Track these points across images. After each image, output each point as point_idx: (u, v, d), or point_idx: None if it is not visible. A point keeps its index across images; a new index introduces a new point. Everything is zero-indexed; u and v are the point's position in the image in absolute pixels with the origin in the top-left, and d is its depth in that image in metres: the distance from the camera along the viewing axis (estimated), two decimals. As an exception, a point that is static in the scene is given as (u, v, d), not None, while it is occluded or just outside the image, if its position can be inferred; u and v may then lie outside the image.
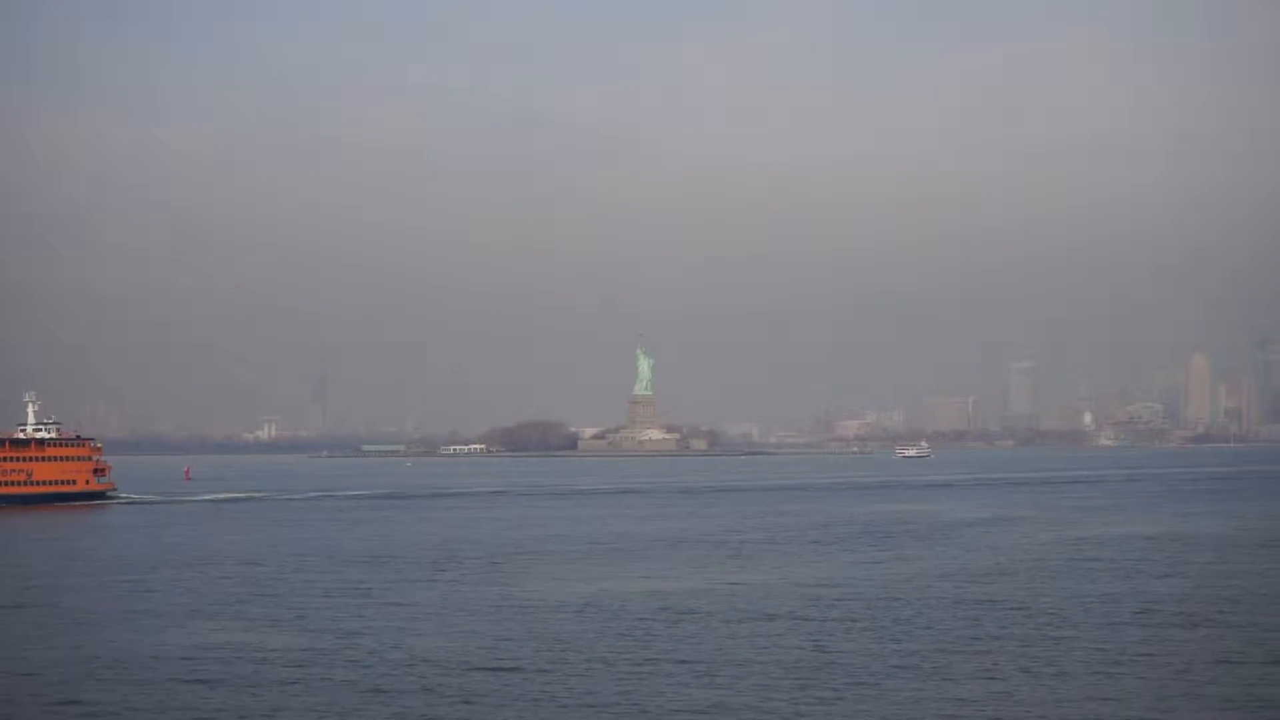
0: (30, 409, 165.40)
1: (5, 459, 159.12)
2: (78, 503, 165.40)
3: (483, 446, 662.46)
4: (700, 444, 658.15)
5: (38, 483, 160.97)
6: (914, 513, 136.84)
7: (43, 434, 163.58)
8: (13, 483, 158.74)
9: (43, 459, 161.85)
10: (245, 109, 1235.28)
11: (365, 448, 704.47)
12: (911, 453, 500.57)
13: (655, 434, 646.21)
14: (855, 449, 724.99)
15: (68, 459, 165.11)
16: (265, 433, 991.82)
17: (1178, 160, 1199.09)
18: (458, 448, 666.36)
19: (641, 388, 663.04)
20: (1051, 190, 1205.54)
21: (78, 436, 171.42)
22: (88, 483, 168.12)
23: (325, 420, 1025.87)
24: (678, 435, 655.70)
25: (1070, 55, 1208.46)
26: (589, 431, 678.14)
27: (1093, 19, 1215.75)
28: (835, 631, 56.08)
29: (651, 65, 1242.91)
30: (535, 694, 44.11)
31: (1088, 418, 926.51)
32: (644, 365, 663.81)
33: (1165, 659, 48.83)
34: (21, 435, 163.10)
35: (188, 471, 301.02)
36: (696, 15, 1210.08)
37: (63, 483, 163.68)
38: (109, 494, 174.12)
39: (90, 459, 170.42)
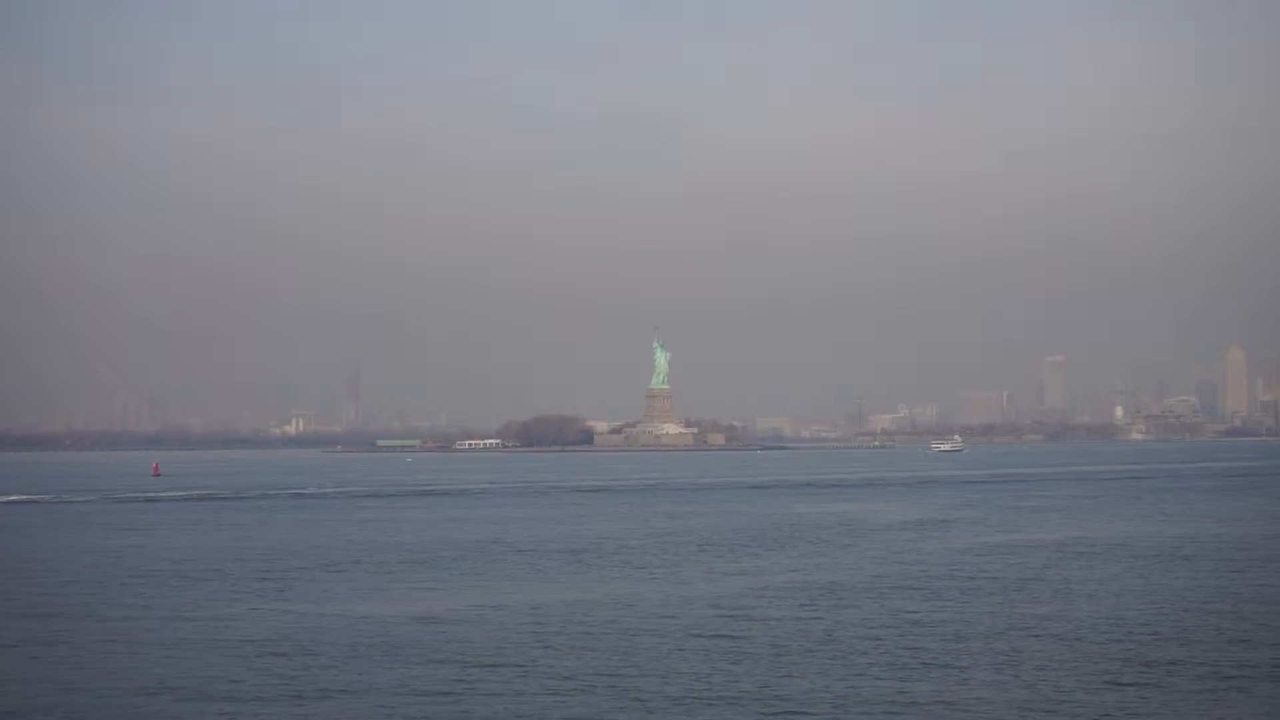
0: None
1: None
2: None
3: (498, 441, 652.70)
4: (718, 439, 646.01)
5: None
6: (844, 514, 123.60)
7: None
8: None
9: None
10: (254, 101, 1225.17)
11: (380, 442, 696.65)
12: (946, 447, 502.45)
13: (672, 428, 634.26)
14: (876, 443, 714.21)
15: None
16: (294, 427, 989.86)
17: (1214, 154, 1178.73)
18: (473, 443, 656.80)
19: (658, 381, 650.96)
20: (1086, 183, 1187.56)
21: None
22: None
23: (358, 416, 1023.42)
24: (695, 430, 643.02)
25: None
26: (605, 426, 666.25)
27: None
28: (518, 671, 43.15)
29: (678, 59, 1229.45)
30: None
31: (1119, 411, 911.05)
32: (661, 359, 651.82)
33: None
34: None
35: (155, 467, 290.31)
36: (705, 10, 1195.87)
37: None
38: None
39: None
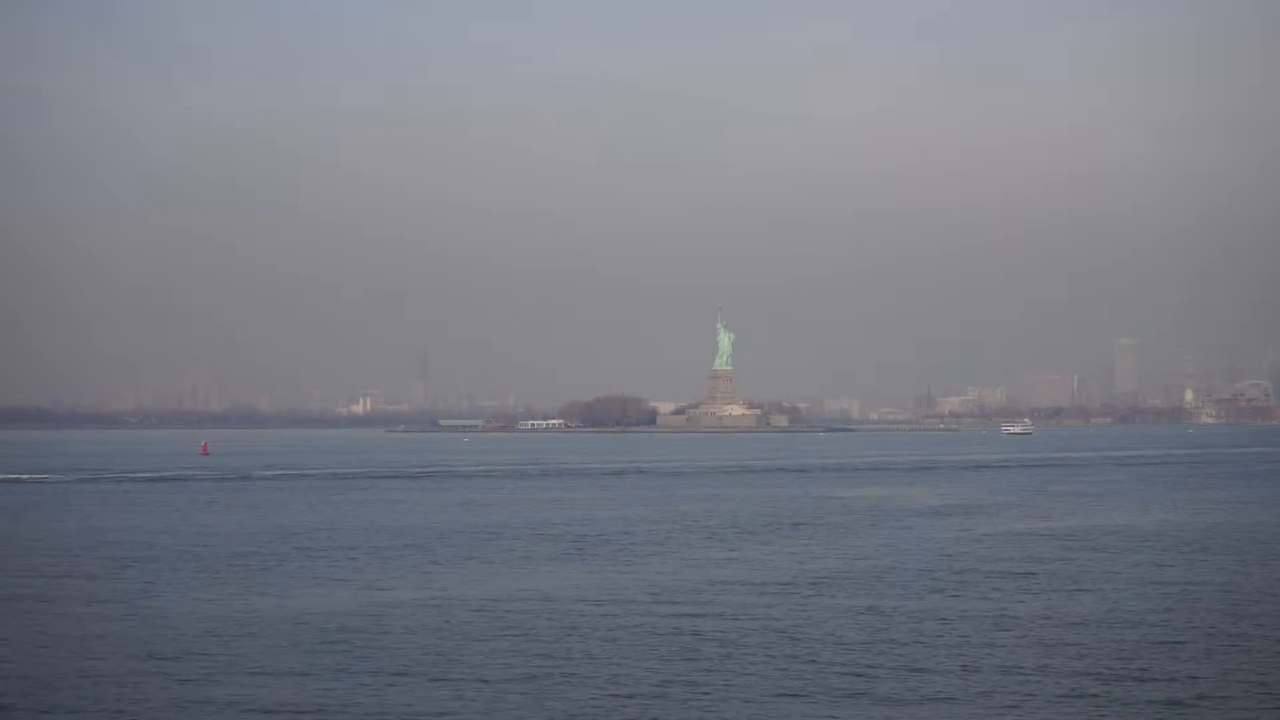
0: None
1: None
2: None
3: (560, 422, 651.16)
4: (782, 420, 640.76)
5: None
6: (877, 499, 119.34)
7: None
8: None
9: None
10: (293, 81, 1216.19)
11: (442, 422, 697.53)
12: (1016, 429, 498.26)
13: (735, 409, 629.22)
14: (942, 426, 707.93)
15: None
16: (360, 407, 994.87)
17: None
18: (535, 423, 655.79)
19: (721, 362, 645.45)
20: (1162, 168, 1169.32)
21: None
22: None
23: (426, 395, 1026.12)
24: (758, 411, 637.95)
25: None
26: (668, 407, 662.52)
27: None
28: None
29: (720, 25, 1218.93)
30: None
31: (1189, 395, 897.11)
32: (724, 339, 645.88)
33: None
34: None
35: (204, 446, 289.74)
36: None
37: None
38: None
39: None
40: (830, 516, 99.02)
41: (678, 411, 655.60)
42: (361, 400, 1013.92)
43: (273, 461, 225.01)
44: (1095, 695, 37.39)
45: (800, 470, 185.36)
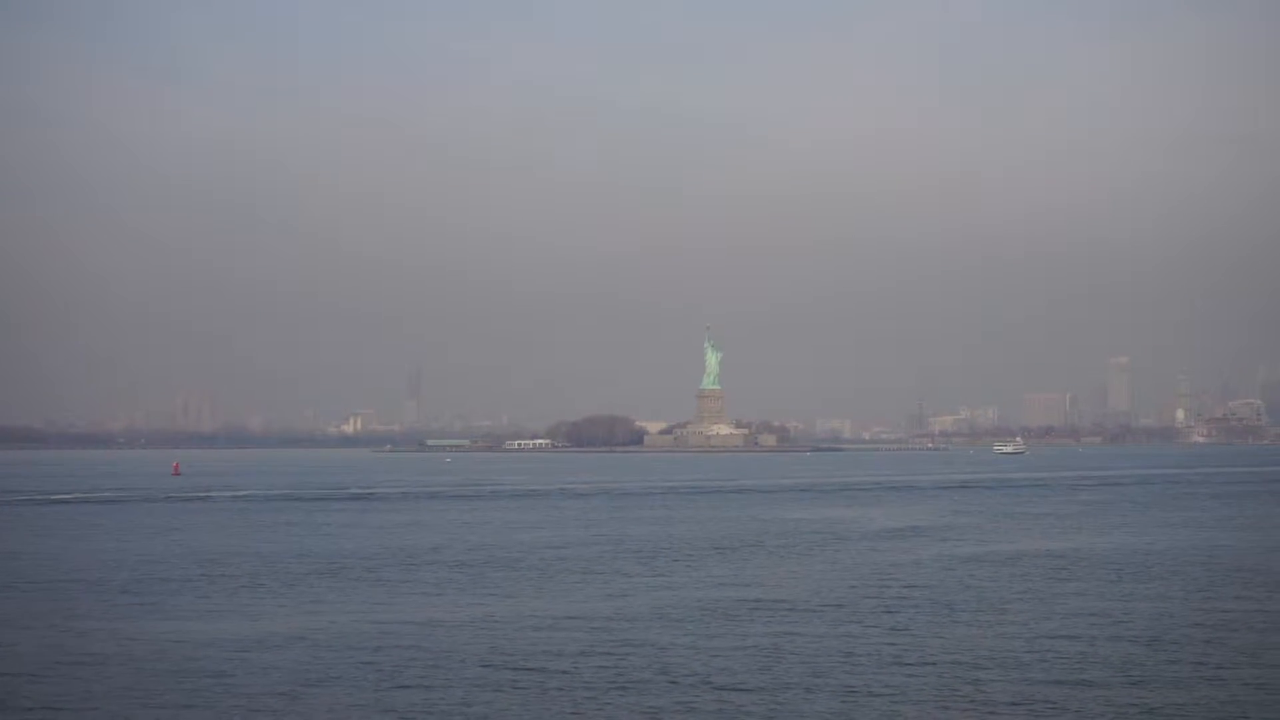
0: None
1: None
2: None
3: (547, 442, 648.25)
4: (770, 439, 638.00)
5: None
6: (830, 521, 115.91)
7: None
8: None
9: None
10: (290, 99, 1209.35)
11: (429, 442, 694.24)
12: (1008, 449, 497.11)
13: (723, 429, 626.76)
14: (931, 445, 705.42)
15: None
16: (351, 426, 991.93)
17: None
18: (521, 443, 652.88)
19: (709, 382, 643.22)
20: (1162, 187, 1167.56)
21: None
22: None
23: (419, 415, 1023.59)
24: (746, 431, 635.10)
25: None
26: (655, 426, 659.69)
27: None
28: None
29: (736, 57, 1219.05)
30: None
31: (1180, 414, 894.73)
32: (711, 359, 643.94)
33: None
34: None
35: (176, 466, 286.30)
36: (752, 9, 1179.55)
37: None
38: None
39: None
40: (773, 540, 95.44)
41: (665, 431, 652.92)
42: (352, 420, 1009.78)
43: (239, 482, 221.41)
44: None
45: (769, 491, 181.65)
